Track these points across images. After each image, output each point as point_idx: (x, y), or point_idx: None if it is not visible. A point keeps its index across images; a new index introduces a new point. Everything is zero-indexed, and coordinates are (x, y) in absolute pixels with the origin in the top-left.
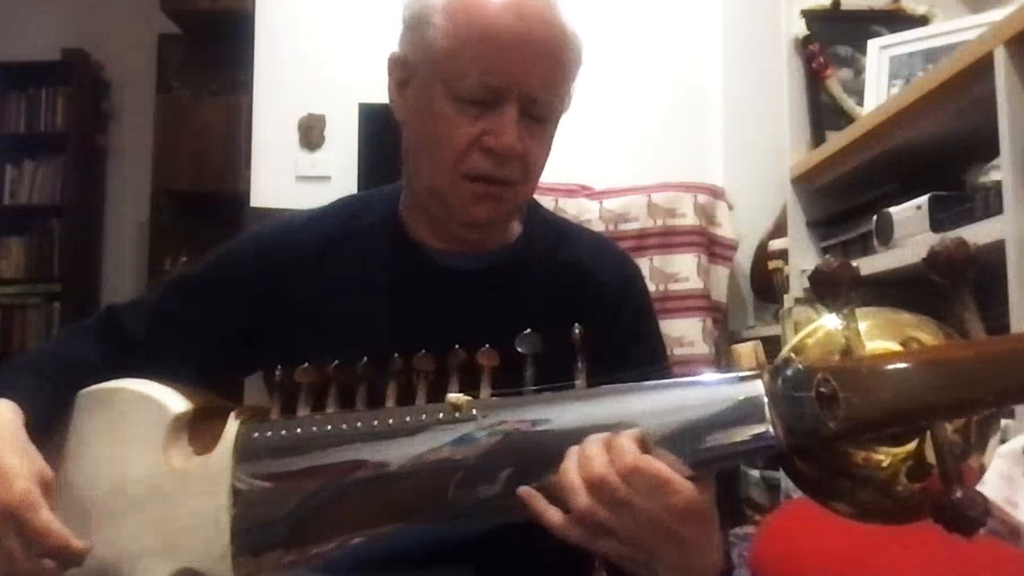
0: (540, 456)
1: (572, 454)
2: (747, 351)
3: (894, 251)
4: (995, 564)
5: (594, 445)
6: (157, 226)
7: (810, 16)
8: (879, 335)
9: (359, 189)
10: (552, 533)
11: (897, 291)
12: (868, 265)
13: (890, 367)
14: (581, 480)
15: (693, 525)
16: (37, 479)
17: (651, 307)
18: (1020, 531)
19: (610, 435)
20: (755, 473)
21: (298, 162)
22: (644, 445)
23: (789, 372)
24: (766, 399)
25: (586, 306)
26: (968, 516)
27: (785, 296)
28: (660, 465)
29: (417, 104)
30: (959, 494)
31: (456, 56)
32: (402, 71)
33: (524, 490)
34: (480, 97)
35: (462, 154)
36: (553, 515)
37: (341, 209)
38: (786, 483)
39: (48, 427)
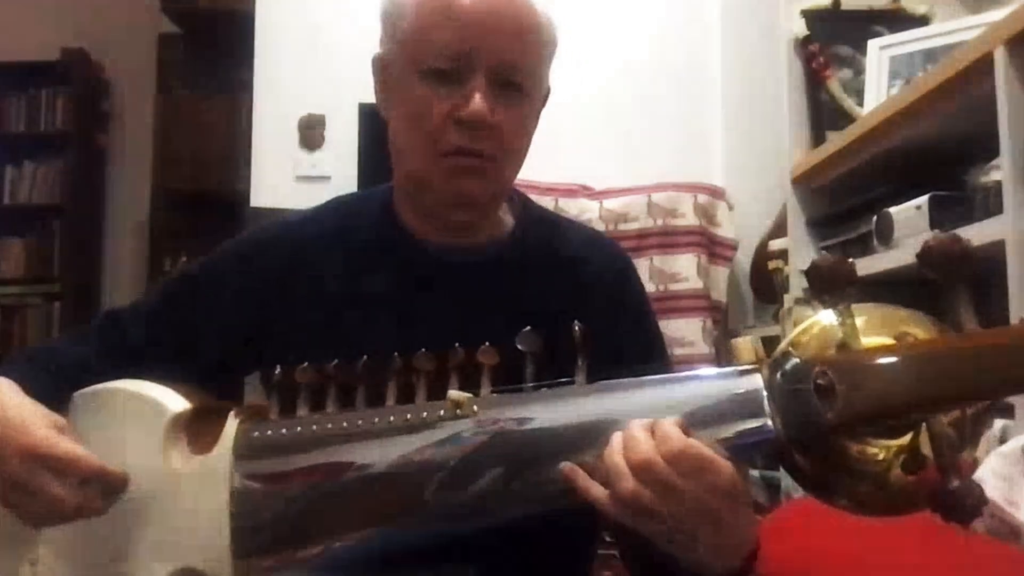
0: (543, 452)
1: (617, 438)
2: (746, 345)
3: (894, 251)
4: (995, 564)
5: (639, 429)
6: (157, 226)
7: (810, 16)
8: (873, 330)
9: (359, 189)
10: (597, 509)
11: (897, 291)
12: (868, 265)
13: (886, 360)
14: (627, 464)
15: (732, 505)
16: (53, 426)
17: (647, 299)
18: (1020, 531)
19: (652, 420)
20: (755, 473)
21: (298, 162)
22: (685, 430)
23: (787, 366)
24: (765, 393)
25: (582, 298)
26: (965, 504)
27: (785, 296)
28: (704, 448)
29: (394, 94)
30: (956, 483)
31: (421, 35)
32: (382, 70)
33: (566, 466)
34: (445, 67)
35: (437, 131)
36: (597, 490)
37: (336, 208)
38: (786, 483)
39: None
